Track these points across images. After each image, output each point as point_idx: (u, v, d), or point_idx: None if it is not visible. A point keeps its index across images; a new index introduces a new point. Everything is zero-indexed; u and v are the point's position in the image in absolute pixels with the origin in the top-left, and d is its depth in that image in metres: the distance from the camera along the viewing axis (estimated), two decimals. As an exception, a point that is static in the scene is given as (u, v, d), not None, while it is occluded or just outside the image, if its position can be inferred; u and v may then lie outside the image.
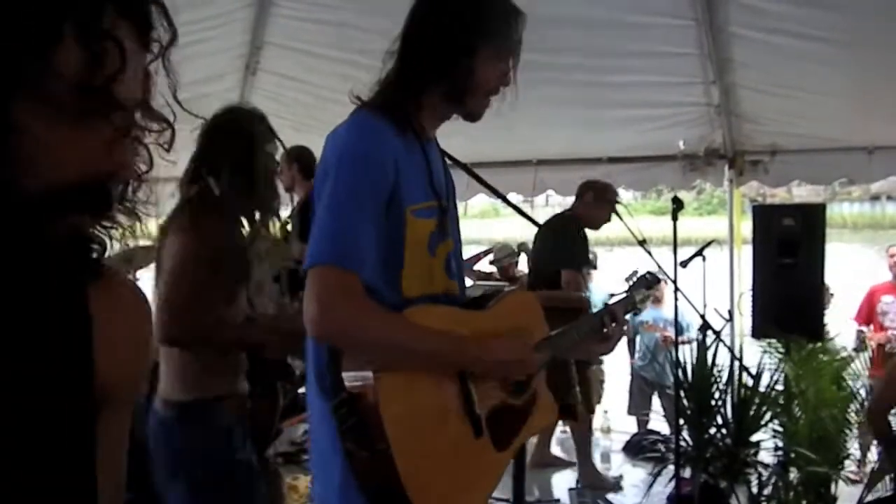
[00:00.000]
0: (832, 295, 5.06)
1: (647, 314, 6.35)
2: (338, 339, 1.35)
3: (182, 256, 1.93)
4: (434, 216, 1.48)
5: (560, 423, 5.15)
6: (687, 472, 3.55)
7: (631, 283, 1.93)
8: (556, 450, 4.87)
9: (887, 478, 3.31)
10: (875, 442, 3.37)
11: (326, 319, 1.31)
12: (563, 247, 4.00)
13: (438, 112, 1.53)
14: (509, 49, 1.51)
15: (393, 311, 1.36)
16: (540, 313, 1.69)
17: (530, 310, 1.68)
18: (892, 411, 3.00)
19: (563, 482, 4.50)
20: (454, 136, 5.76)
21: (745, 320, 4.45)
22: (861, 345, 4.94)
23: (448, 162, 1.66)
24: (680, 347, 3.77)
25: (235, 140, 2.07)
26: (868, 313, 5.29)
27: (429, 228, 1.46)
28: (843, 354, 4.14)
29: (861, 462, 3.93)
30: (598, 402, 6.22)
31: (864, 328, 5.19)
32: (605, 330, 1.73)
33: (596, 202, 4.06)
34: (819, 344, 3.81)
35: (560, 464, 4.79)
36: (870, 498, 3.20)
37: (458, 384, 1.43)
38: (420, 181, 1.46)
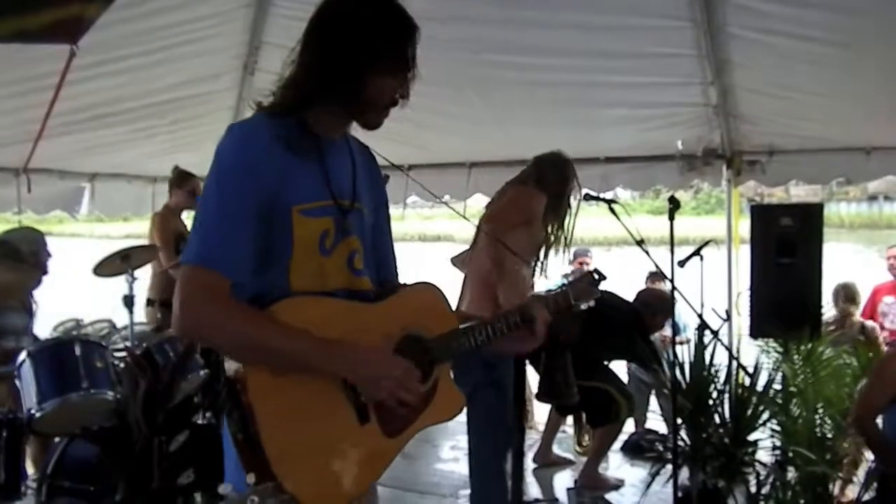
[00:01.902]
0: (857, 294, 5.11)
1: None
2: (195, 337, 1.43)
3: None
4: (329, 215, 1.51)
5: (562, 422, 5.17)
6: (685, 472, 3.55)
7: (569, 280, 1.85)
8: (555, 449, 4.88)
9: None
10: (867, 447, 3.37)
11: (183, 318, 1.37)
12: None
13: (336, 120, 1.56)
14: (404, 65, 1.52)
15: (256, 311, 1.39)
16: (444, 309, 1.67)
17: (433, 304, 1.65)
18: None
19: (562, 481, 4.50)
20: (452, 137, 5.74)
21: (742, 320, 4.46)
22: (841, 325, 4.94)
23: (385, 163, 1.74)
24: (677, 347, 3.75)
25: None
26: (871, 311, 5.32)
27: (320, 227, 1.50)
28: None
29: (856, 462, 3.92)
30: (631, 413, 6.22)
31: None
32: (516, 329, 1.67)
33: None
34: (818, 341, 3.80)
35: (562, 463, 4.79)
36: (867, 497, 3.20)
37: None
38: (311, 182, 1.49)
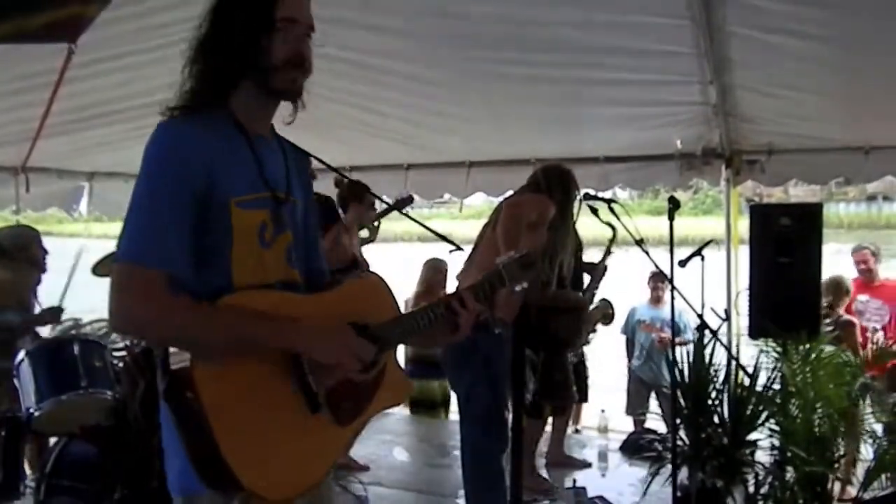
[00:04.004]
0: (848, 291, 5.09)
1: (645, 314, 6.37)
2: (135, 334, 1.45)
3: None
4: (266, 207, 1.53)
5: (569, 422, 5.17)
6: (684, 472, 3.55)
7: (503, 263, 1.77)
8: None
9: (883, 476, 3.33)
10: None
11: (120, 315, 1.39)
12: None
13: (258, 104, 1.58)
14: (275, 18, 1.52)
15: (197, 303, 1.39)
16: (387, 298, 1.70)
17: (375, 294, 1.69)
18: None
19: (567, 482, 4.48)
20: (452, 136, 5.70)
21: (741, 320, 4.46)
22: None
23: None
24: (677, 348, 3.75)
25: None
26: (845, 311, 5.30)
27: (258, 219, 1.51)
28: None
29: (853, 461, 3.93)
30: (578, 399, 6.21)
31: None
32: (455, 316, 1.66)
33: None
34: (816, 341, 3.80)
35: (574, 464, 4.78)
36: (867, 496, 3.21)
37: (290, 362, 1.46)
38: (246, 174, 1.51)
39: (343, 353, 1.48)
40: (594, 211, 3.63)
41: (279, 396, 1.44)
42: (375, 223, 4.54)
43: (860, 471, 3.65)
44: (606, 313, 5.23)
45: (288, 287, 1.56)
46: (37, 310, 4.03)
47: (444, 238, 2.36)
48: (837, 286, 4.95)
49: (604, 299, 5.27)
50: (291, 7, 1.53)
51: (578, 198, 3.77)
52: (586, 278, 4.65)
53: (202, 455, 1.37)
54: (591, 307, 4.79)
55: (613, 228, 3.73)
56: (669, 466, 3.46)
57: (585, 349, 4.91)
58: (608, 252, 4.65)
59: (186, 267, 1.41)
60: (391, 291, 1.73)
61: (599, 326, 5.14)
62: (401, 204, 4.32)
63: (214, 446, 1.34)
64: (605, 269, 4.66)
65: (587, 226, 4.11)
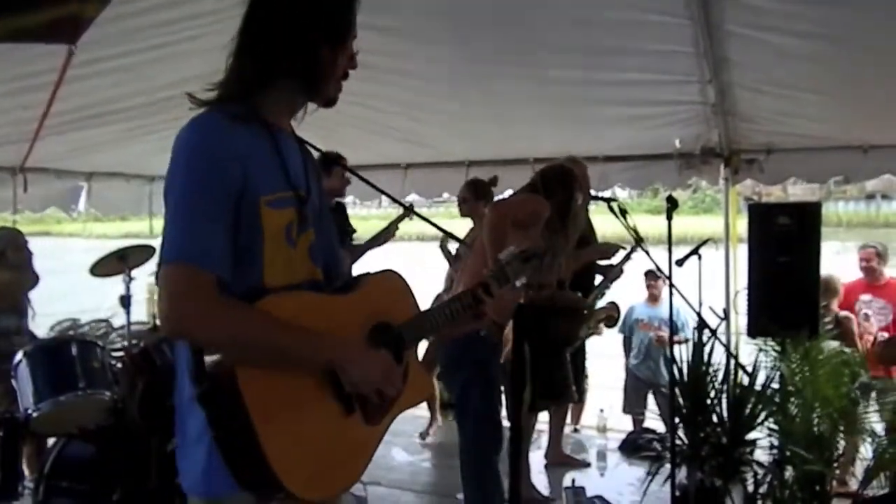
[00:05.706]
0: (837, 289, 5.07)
1: (643, 312, 6.36)
2: (187, 336, 1.40)
3: None
4: (292, 206, 1.52)
5: (567, 421, 5.17)
6: (683, 471, 3.55)
7: (506, 258, 1.83)
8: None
9: (882, 475, 3.33)
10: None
11: (173, 317, 1.36)
12: None
13: (289, 104, 1.57)
14: (351, 34, 1.55)
15: (247, 306, 1.38)
16: (407, 294, 1.73)
17: (396, 291, 1.71)
18: None
19: (566, 481, 4.49)
20: (451, 136, 5.69)
21: (740, 319, 4.46)
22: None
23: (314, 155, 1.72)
24: (676, 346, 3.75)
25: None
26: (845, 310, 5.29)
27: (286, 219, 1.50)
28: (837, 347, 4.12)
29: (851, 461, 3.92)
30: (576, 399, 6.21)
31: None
32: (480, 305, 1.71)
33: None
34: (816, 341, 3.80)
35: (573, 463, 4.78)
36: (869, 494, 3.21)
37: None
38: (272, 172, 1.49)
39: (376, 382, 1.50)
40: (623, 213, 3.57)
41: (315, 399, 1.46)
42: (391, 228, 4.64)
43: (859, 470, 3.66)
44: (611, 315, 5.22)
45: (313, 285, 1.57)
46: (30, 313, 4.03)
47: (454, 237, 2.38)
48: (826, 285, 4.94)
49: (611, 302, 5.26)
50: (355, 23, 1.55)
51: (583, 202, 3.72)
52: (598, 278, 4.64)
53: (243, 457, 1.36)
54: (598, 307, 4.78)
55: (638, 237, 3.70)
56: (668, 466, 3.46)
57: (586, 346, 4.89)
58: (627, 257, 4.64)
59: (230, 266, 1.40)
60: (410, 288, 1.75)
61: (603, 328, 5.12)
62: (407, 212, 4.43)
63: (259, 448, 1.33)
64: (620, 272, 4.65)
65: (605, 224, 4.11)
